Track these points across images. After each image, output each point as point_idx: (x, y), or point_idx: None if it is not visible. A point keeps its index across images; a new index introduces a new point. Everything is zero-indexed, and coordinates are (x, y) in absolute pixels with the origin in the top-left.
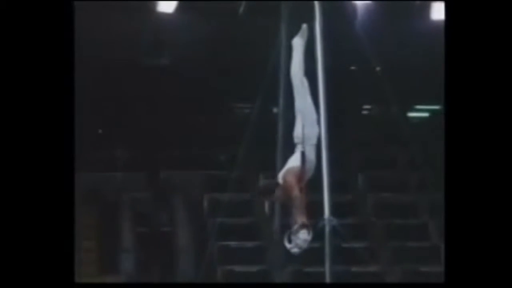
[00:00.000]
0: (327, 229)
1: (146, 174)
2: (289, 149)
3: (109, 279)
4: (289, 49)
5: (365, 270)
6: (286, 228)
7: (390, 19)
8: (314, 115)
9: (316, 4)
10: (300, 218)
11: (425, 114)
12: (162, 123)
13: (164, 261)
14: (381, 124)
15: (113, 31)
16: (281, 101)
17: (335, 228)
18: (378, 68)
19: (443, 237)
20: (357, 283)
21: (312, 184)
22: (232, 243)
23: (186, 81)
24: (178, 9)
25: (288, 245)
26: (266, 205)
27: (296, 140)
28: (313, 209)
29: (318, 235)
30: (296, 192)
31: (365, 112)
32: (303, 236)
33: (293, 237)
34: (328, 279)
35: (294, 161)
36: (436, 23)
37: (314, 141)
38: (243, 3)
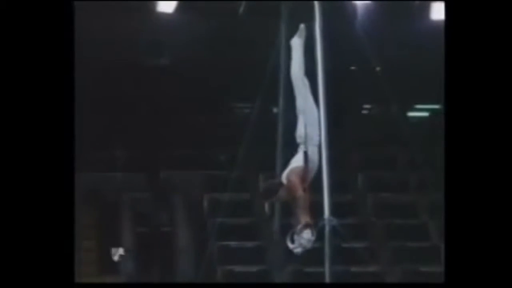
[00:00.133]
0: (327, 229)
1: (146, 174)
2: (289, 149)
3: (109, 279)
4: (289, 49)
5: (365, 270)
6: (287, 228)
7: (390, 19)
8: (316, 115)
9: (316, 4)
10: (303, 218)
11: (425, 114)
12: (162, 123)
13: (164, 261)
14: (381, 124)
15: (113, 31)
16: (281, 101)
17: (335, 228)
18: (378, 68)
19: (443, 237)
20: (357, 283)
21: (312, 184)
22: (232, 243)
23: (186, 81)
24: (178, 9)
25: (291, 245)
26: (266, 205)
27: (298, 140)
28: (315, 209)
29: (318, 235)
30: (300, 192)
31: (365, 112)
32: (307, 236)
33: (296, 237)
34: (328, 279)
35: (297, 161)
36: (436, 23)
37: (316, 141)
38: (243, 3)
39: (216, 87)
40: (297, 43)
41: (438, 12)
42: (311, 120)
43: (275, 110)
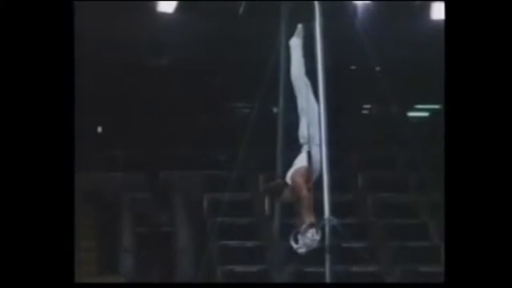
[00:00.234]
0: (327, 229)
1: (146, 174)
2: (290, 149)
3: (109, 279)
4: (288, 49)
5: (365, 270)
6: (287, 228)
7: (390, 19)
8: (317, 115)
9: (316, 4)
10: (308, 218)
11: (425, 114)
12: (162, 123)
13: (164, 261)
14: (381, 124)
15: (113, 31)
16: (281, 101)
17: (335, 228)
18: (378, 68)
19: (443, 237)
20: (357, 283)
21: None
22: (232, 243)
23: (186, 81)
24: (178, 9)
25: (295, 245)
26: (266, 205)
27: (301, 140)
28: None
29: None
30: (304, 192)
31: (365, 112)
32: (312, 236)
33: (300, 237)
34: (328, 279)
35: (301, 161)
36: (436, 23)
37: (319, 141)
38: (243, 3)
39: (216, 87)
40: (296, 43)
41: (438, 12)
42: (313, 120)
43: (275, 110)
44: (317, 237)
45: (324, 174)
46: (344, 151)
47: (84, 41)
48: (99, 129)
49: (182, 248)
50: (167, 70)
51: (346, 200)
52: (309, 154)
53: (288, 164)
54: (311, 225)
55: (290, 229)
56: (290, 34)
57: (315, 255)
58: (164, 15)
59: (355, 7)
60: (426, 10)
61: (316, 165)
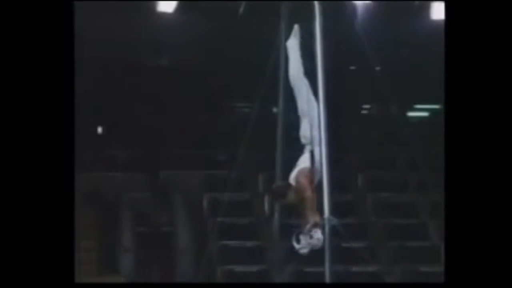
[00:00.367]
0: (327, 229)
1: (146, 174)
2: (290, 149)
3: (109, 279)
4: (287, 50)
5: (365, 270)
6: (288, 228)
7: (390, 19)
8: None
9: (316, 4)
10: (313, 218)
11: (425, 114)
12: (162, 123)
13: (164, 261)
14: (381, 124)
15: (113, 31)
16: (281, 101)
17: (335, 228)
18: (377, 68)
19: (443, 237)
20: (357, 283)
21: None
22: (232, 243)
23: (186, 81)
24: (178, 9)
25: (297, 246)
26: (266, 205)
27: (304, 141)
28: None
29: None
30: (309, 192)
31: (364, 112)
32: (317, 235)
33: (303, 237)
34: (328, 279)
35: (304, 162)
36: (436, 23)
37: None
38: (243, 3)
39: (216, 87)
40: (293, 44)
41: (438, 12)
42: (315, 121)
43: (275, 110)
44: (322, 237)
45: (324, 174)
46: (344, 151)
47: (84, 41)
48: (99, 129)
49: (182, 248)
50: (167, 70)
51: (346, 200)
52: (312, 155)
53: (288, 164)
54: (316, 225)
55: (290, 229)
56: (290, 34)
57: (315, 255)
58: (164, 15)
59: (355, 7)
60: (426, 10)
61: (319, 165)
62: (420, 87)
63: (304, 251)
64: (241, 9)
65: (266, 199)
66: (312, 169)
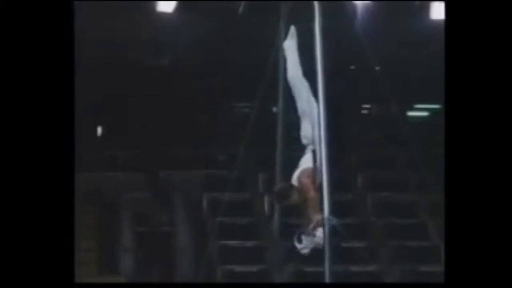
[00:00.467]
0: (326, 229)
1: (146, 174)
2: (289, 149)
3: (109, 279)
4: (284, 51)
5: (365, 270)
6: (288, 228)
7: (390, 19)
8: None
9: (316, 4)
10: (316, 217)
11: (425, 114)
12: (162, 123)
13: (164, 261)
14: (380, 124)
15: (113, 31)
16: (281, 100)
17: (334, 227)
18: (377, 68)
19: (443, 237)
20: (357, 283)
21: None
22: (232, 243)
23: (185, 81)
24: (178, 9)
25: (298, 246)
26: (266, 205)
27: (305, 141)
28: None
29: None
30: (312, 193)
31: (364, 112)
32: (321, 234)
33: (305, 237)
34: (327, 279)
35: (307, 163)
36: (436, 22)
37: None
38: (243, 3)
39: (216, 87)
40: (290, 45)
41: (438, 11)
42: (316, 121)
43: (275, 110)
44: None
45: (324, 174)
46: (344, 151)
47: (84, 41)
48: (99, 129)
49: (182, 248)
50: (167, 70)
51: (346, 200)
52: (314, 155)
53: (288, 164)
54: (319, 224)
55: (290, 229)
56: (287, 35)
57: (315, 255)
58: (164, 15)
59: (355, 7)
60: (426, 10)
61: (321, 165)
62: (420, 87)
63: (305, 251)
64: (240, 9)
65: (266, 199)
66: (315, 169)
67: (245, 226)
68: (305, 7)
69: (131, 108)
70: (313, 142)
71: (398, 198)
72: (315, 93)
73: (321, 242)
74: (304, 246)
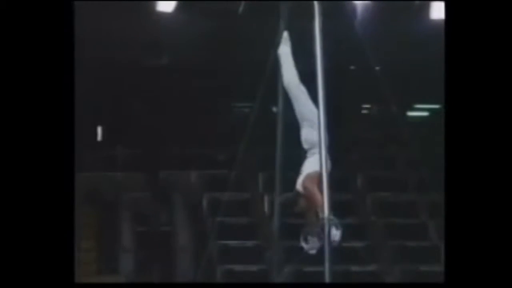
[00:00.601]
0: (326, 228)
1: (146, 174)
2: (289, 148)
3: (109, 279)
4: (279, 57)
5: (364, 270)
6: (289, 228)
7: (390, 19)
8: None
9: (316, 4)
10: (321, 218)
11: (425, 114)
12: (162, 122)
13: (164, 261)
14: (380, 124)
15: (113, 31)
16: (280, 100)
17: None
18: (377, 68)
19: (443, 237)
20: (357, 283)
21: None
22: (232, 243)
23: (185, 80)
24: (177, 9)
25: (305, 246)
26: (266, 205)
27: (306, 145)
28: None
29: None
30: (318, 196)
31: (364, 112)
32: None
33: (310, 238)
34: (327, 279)
35: (310, 167)
36: (436, 22)
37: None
38: (243, 3)
39: (215, 87)
40: (284, 51)
41: (438, 11)
42: (315, 125)
43: (275, 109)
44: (338, 232)
45: (324, 174)
46: (344, 151)
47: (84, 41)
48: (99, 129)
49: (182, 247)
50: (167, 70)
51: (346, 200)
52: (318, 159)
53: (288, 164)
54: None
55: (292, 229)
56: (290, 34)
57: (315, 255)
58: (164, 15)
59: (355, 7)
60: (426, 10)
61: (324, 168)
62: (420, 87)
63: (313, 251)
64: (240, 9)
65: (266, 199)
66: (320, 173)
67: (245, 226)
68: (305, 7)
69: (131, 108)
70: (314, 146)
71: (398, 198)
72: (314, 93)
73: (335, 239)
74: (311, 246)
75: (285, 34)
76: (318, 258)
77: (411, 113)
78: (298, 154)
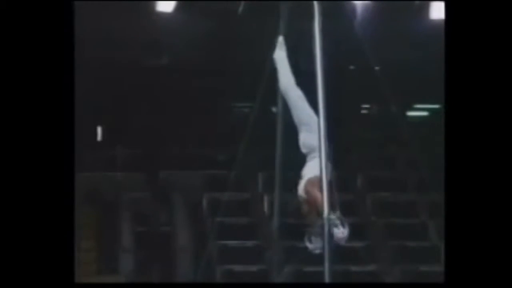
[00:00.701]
0: (326, 228)
1: (146, 174)
2: (289, 149)
3: (109, 279)
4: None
5: (364, 270)
6: (289, 228)
7: (390, 19)
8: (317, 122)
9: (316, 4)
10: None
11: (425, 114)
12: (161, 123)
13: (163, 261)
14: (380, 124)
15: (113, 31)
16: (280, 101)
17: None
18: (377, 68)
19: (442, 237)
20: (357, 283)
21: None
22: (232, 243)
23: (185, 80)
24: (177, 9)
25: (310, 246)
26: (265, 205)
27: (305, 150)
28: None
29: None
30: (320, 199)
31: (364, 112)
32: (336, 233)
33: (314, 238)
34: (327, 279)
35: (310, 172)
36: (436, 22)
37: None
38: (243, 3)
39: (215, 87)
40: (280, 57)
41: (438, 11)
42: (314, 129)
43: (275, 110)
44: (346, 230)
45: (323, 174)
46: (344, 151)
47: (84, 41)
48: (99, 129)
49: (181, 248)
50: (167, 70)
51: (346, 200)
52: (318, 163)
53: (288, 163)
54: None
55: (293, 229)
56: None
57: (314, 254)
58: (164, 15)
59: (354, 7)
60: (426, 10)
61: (325, 171)
62: (420, 87)
63: (318, 251)
64: (240, 9)
65: (266, 199)
66: (320, 177)
67: (245, 226)
68: (305, 7)
69: (131, 108)
70: (313, 150)
71: (398, 198)
72: (314, 94)
73: (344, 236)
74: (315, 246)
75: (280, 39)
76: (318, 258)
77: (411, 113)
78: (298, 155)
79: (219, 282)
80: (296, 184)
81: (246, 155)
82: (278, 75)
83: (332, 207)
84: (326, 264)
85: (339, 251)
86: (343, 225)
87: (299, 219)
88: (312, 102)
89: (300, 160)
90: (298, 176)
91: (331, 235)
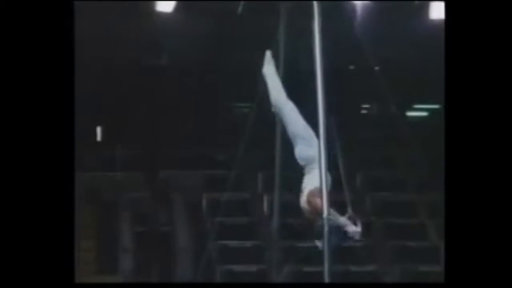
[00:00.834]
0: (326, 228)
1: (146, 174)
2: (288, 149)
3: (109, 279)
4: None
5: (364, 270)
6: (287, 228)
7: (390, 19)
8: (312, 134)
9: (315, 4)
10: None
11: (425, 114)
12: (161, 123)
13: (163, 261)
14: (380, 124)
15: (113, 31)
16: None
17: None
18: (377, 68)
19: (442, 237)
20: (357, 283)
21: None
22: (231, 243)
23: (185, 81)
24: (177, 9)
25: (319, 245)
26: (265, 205)
27: (302, 162)
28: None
29: (317, 234)
30: (321, 208)
31: (364, 112)
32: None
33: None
34: (327, 279)
35: (311, 183)
36: (436, 22)
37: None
38: (243, 3)
39: (215, 87)
40: (269, 71)
41: (438, 12)
42: (310, 142)
43: (274, 110)
44: (359, 228)
45: (323, 174)
46: (344, 152)
47: (84, 41)
48: (99, 129)
49: (181, 248)
50: (166, 70)
51: (346, 200)
52: (319, 173)
53: (288, 163)
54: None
55: (293, 229)
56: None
57: (314, 255)
58: (164, 15)
59: (354, 7)
60: (426, 10)
61: (325, 182)
62: (420, 87)
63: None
64: (240, 9)
65: (266, 199)
66: (321, 188)
67: (244, 226)
68: (305, 7)
69: (131, 108)
70: (310, 162)
71: (398, 198)
72: (314, 94)
73: (356, 235)
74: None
75: (268, 54)
76: (317, 258)
77: (411, 113)
78: (302, 178)
79: (219, 282)
80: (297, 196)
81: (246, 155)
82: (268, 90)
83: (341, 208)
84: (326, 264)
85: (339, 251)
86: (355, 224)
87: (299, 219)
88: (312, 101)
89: (302, 182)
90: (298, 190)
91: (345, 233)
